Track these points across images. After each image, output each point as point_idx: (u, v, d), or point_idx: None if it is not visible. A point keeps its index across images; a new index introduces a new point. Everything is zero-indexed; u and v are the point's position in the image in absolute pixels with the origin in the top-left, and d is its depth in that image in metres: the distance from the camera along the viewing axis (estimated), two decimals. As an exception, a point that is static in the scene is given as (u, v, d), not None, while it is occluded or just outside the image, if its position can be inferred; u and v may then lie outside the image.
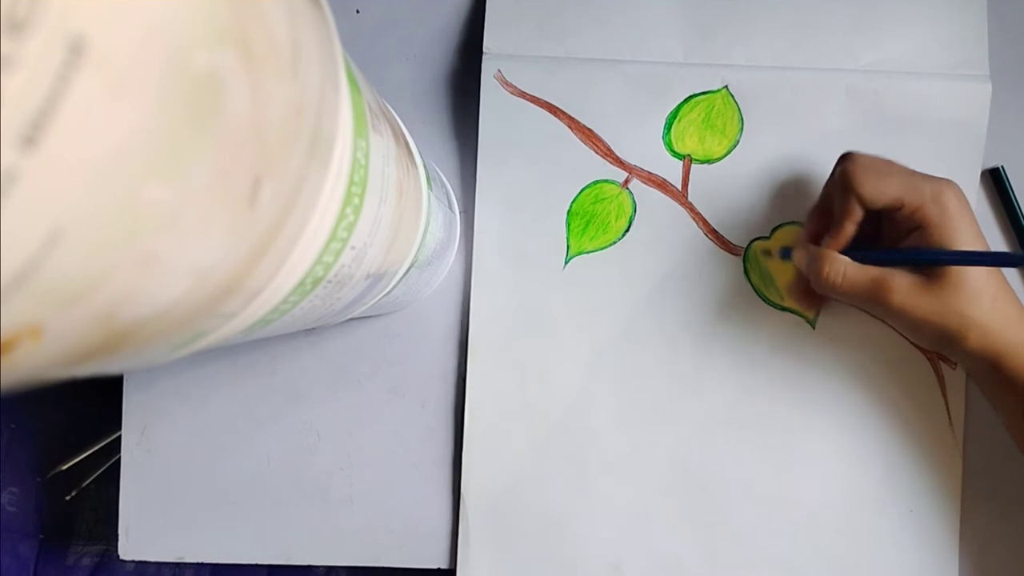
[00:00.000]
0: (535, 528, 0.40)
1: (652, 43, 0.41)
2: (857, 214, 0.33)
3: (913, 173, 0.33)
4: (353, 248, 0.19)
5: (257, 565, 0.42)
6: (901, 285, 0.32)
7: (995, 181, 0.40)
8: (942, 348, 0.34)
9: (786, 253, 0.38)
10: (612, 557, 0.40)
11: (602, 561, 0.40)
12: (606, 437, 0.40)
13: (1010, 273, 0.39)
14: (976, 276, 0.31)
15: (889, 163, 0.34)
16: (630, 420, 0.40)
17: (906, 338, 0.39)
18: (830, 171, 0.36)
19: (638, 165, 0.40)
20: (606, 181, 0.41)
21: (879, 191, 0.32)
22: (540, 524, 0.40)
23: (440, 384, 0.42)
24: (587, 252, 0.41)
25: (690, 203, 0.40)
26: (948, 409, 0.39)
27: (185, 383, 0.42)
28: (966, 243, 0.31)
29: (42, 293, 0.09)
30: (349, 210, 0.18)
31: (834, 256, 0.34)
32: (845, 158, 0.35)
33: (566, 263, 0.41)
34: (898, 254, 0.33)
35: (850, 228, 0.33)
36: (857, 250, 0.34)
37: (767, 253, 0.40)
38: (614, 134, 0.40)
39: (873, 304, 0.33)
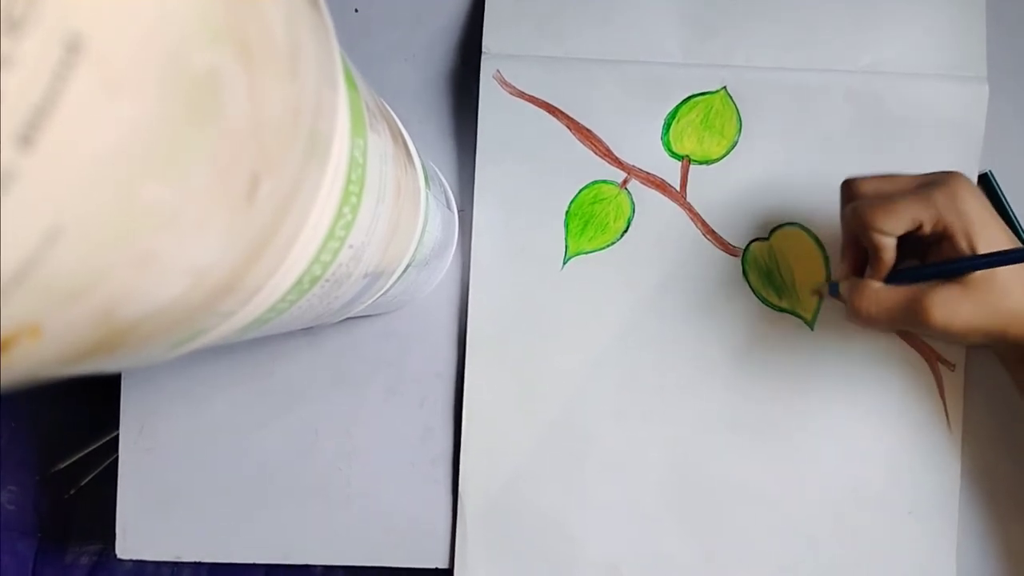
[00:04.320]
0: (533, 528, 0.40)
1: (651, 44, 0.41)
2: (888, 243, 0.33)
3: (920, 185, 0.32)
4: (351, 247, 0.20)
5: (255, 564, 0.42)
6: (936, 300, 0.31)
7: (984, 185, 0.40)
8: (989, 346, 0.34)
9: (834, 289, 0.37)
10: (610, 557, 0.40)
11: (600, 561, 0.40)
12: (604, 437, 0.40)
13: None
14: (1005, 269, 0.31)
15: (892, 181, 0.33)
16: (628, 420, 0.40)
17: (901, 341, 0.39)
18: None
19: (637, 165, 0.40)
20: (605, 181, 0.41)
21: (894, 223, 0.32)
22: (538, 524, 0.40)
23: (438, 383, 0.42)
24: (585, 252, 0.41)
25: (688, 204, 0.40)
26: (947, 411, 0.39)
27: (183, 382, 0.42)
28: (990, 242, 0.31)
29: (41, 292, 0.09)
30: (347, 209, 0.18)
31: (865, 285, 0.33)
32: (849, 191, 0.35)
33: (564, 263, 0.41)
34: (930, 269, 0.33)
35: (888, 257, 0.33)
36: (895, 269, 0.33)
37: (817, 294, 0.40)
38: (613, 134, 0.40)
39: (914, 325, 0.32)
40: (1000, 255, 0.30)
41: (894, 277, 0.33)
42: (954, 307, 0.31)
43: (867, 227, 0.32)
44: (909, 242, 0.33)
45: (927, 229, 0.32)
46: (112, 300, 0.11)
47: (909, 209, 0.32)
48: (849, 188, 0.35)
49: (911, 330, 0.34)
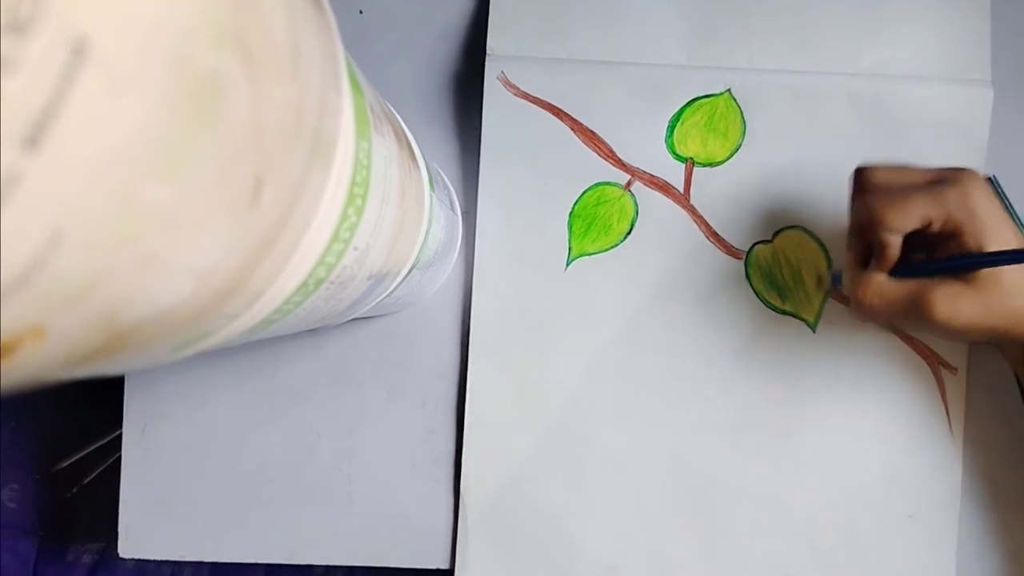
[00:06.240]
0: (533, 529, 0.40)
1: (655, 45, 0.41)
2: (895, 240, 0.32)
3: (932, 181, 0.32)
4: (355, 249, 0.19)
5: (256, 564, 0.42)
6: (940, 296, 0.31)
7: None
8: (992, 343, 0.33)
9: (837, 280, 0.37)
10: (610, 559, 0.40)
11: (600, 563, 0.40)
12: (605, 439, 0.40)
13: None
14: (1012, 269, 0.31)
15: (905, 173, 0.33)
16: (630, 422, 0.40)
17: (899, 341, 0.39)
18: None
19: (640, 168, 0.40)
20: (608, 183, 0.41)
21: (904, 219, 0.32)
22: (538, 525, 0.40)
23: (440, 385, 0.42)
24: (589, 254, 0.41)
25: (692, 206, 0.40)
26: (948, 415, 0.39)
27: (186, 382, 0.42)
28: (1000, 242, 0.31)
29: (44, 294, 0.09)
30: (351, 211, 0.18)
31: (870, 277, 0.33)
32: (860, 181, 0.34)
33: (567, 265, 0.41)
34: (936, 264, 0.32)
35: (894, 253, 0.33)
36: (901, 263, 0.33)
37: (820, 284, 0.40)
38: (617, 136, 0.40)
39: (916, 320, 0.32)
40: (1008, 254, 0.30)
41: (899, 271, 0.33)
42: (958, 304, 0.31)
43: (877, 224, 0.32)
44: (916, 237, 0.33)
45: (936, 228, 0.32)
46: (115, 302, 0.11)
47: (920, 207, 0.31)
48: (861, 177, 0.35)
49: (912, 326, 0.34)
